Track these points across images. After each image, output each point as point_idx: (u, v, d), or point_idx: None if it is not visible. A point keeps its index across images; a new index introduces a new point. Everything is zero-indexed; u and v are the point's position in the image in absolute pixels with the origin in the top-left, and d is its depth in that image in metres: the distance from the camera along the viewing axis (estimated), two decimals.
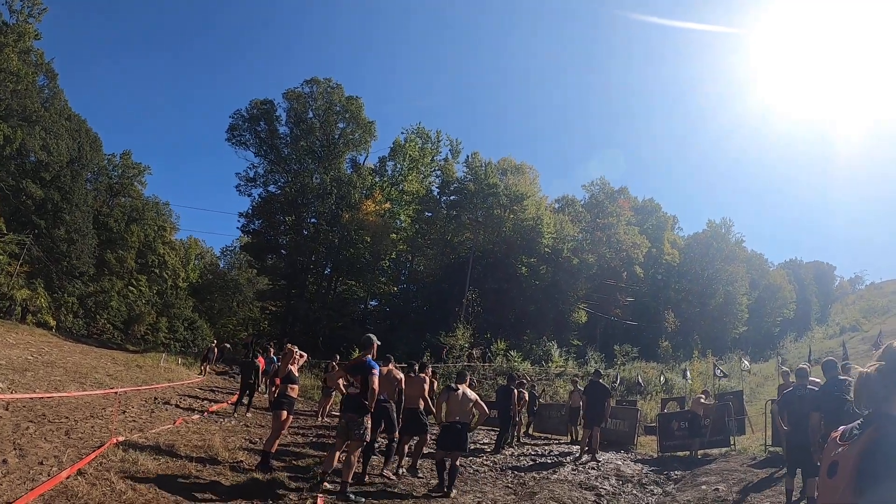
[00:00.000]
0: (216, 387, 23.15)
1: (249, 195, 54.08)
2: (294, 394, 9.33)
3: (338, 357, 21.03)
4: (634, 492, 10.50)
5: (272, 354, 19.52)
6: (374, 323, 54.13)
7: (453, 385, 9.24)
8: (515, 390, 15.15)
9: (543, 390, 26.12)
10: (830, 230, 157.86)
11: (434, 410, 9.41)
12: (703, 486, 9.97)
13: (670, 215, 68.82)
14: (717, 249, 61.72)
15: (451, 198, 53.92)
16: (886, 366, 2.11)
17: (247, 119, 53.54)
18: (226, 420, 13.14)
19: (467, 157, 55.60)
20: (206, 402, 16.39)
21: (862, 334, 34.08)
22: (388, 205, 51.83)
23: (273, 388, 9.96)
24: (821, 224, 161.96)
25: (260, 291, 60.86)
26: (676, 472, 11.95)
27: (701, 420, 13.88)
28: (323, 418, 16.29)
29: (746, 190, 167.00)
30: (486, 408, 9.60)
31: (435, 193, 56.65)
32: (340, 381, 8.14)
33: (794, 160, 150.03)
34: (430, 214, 54.15)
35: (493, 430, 16.46)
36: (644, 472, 12.23)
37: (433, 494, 8.20)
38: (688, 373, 22.78)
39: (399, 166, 56.97)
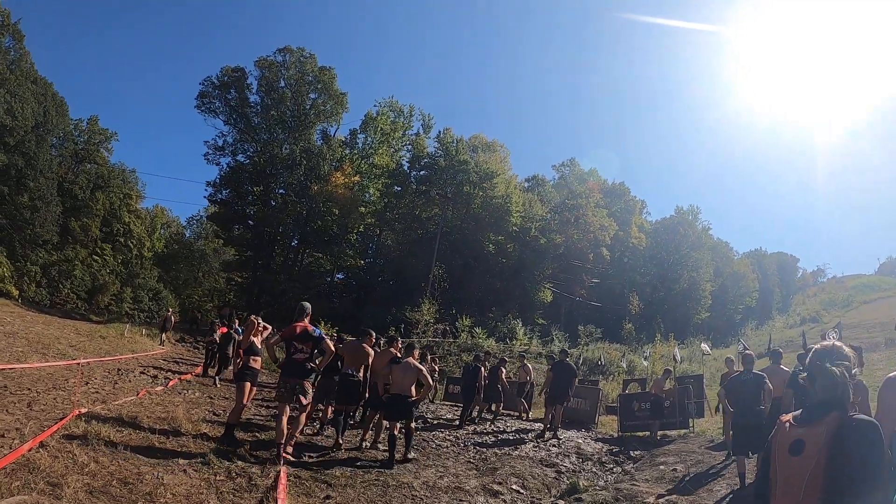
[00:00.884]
0: (180, 357, 22.97)
1: (218, 164, 52.92)
2: (257, 365, 9.32)
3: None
4: (594, 469, 10.76)
5: (237, 326, 19.43)
6: (339, 296, 53.88)
7: (399, 356, 9.35)
8: (502, 368, 15.43)
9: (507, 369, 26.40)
10: (796, 223, 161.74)
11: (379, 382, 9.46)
12: (662, 466, 10.24)
13: (639, 200, 69.75)
14: (683, 236, 62.64)
15: (421, 173, 53.62)
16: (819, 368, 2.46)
17: (217, 86, 52.23)
18: (189, 392, 13.06)
19: (439, 132, 55.28)
20: (170, 373, 16.24)
21: (822, 326, 34.94)
22: (357, 178, 51.31)
23: (237, 360, 9.94)
24: (787, 217, 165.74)
25: (226, 262, 60.00)
26: (636, 452, 12.27)
27: (663, 401, 14.23)
28: None
29: (715, 179, 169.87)
30: (430, 379, 9.76)
31: (405, 168, 56.23)
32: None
33: (764, 153, 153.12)
34: (399, 189, 53.76)
35: (457, 406, 16.65)
36: (604, 450, 12.53)
37: (385, 469, 8.30)
38: (649, 354, 23.24)
39: (370, 139, 56.31)
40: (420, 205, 52.33)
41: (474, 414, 15.49)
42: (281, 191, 51.95)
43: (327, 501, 6.36)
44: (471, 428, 13.92)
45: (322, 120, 54.92)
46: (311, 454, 8.59)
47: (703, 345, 25.62)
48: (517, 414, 17.35)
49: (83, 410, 8.23)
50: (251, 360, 9.12)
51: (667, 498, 7.92)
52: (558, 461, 10.85)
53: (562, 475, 9.81)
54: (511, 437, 13.11)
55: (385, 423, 9.47)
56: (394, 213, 52.62)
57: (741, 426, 8.34)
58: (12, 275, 37.38)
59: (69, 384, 10.51)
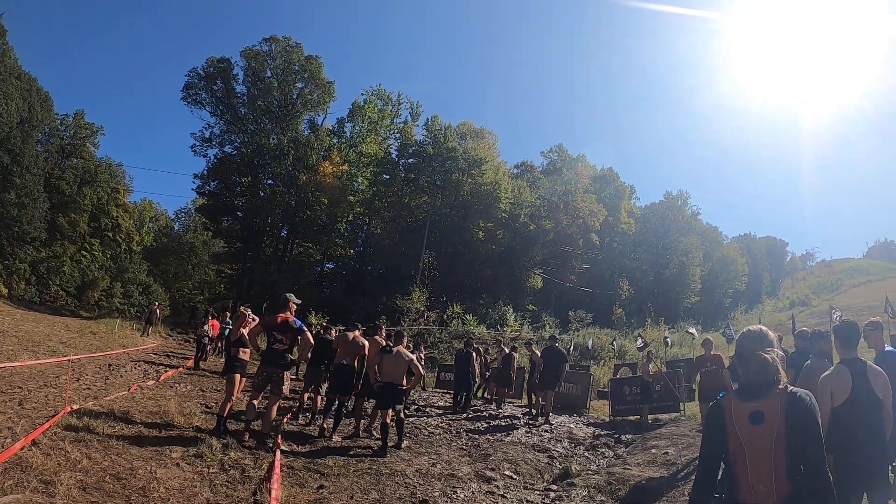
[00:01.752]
0: (171, 351, 22.92)
1: (205, 156, 52.46)
2: (246, 357, 9.30)
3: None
4: (586, 454, 10.87)
5: (228, 319, 19.42)
6: (330, 286, 53.90)
7: (389, 346, 9.38)
8: (513, 355, 15.64)
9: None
10: (785, 208, 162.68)
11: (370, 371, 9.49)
12: (653, 450, 10.33)
13: (628, 185, 69.82)
14: (672, 220, 62.91)
15: (410, 161, 53.59)
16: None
17: (203, 77, 51.71)
18: (181, 385, 13.05)
19: (427, 120, 55.24)
20: (161, 367, 16.21)
21: (811, 309, 35.31)
22: (345, 167, 51.03)
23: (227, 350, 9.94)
24: (775, 201, 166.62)
25: (215, 254, 59.62)
26: (627, 436, 12.38)
27: (651, 386, 14.36)
28: None
29: (705, 165, 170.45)
30: (420, 368, 9.81)
31: (393, 156, 56.13)
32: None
33: (753, 139, 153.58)
34: (387, 177, 53.70)
35: (449, 393, 16.72)
36: (596, 435, 12.65)
37: (378, 457, 8.36)
38: (640, 340, 23.34)
39: (358, 128, 55.95)
40: (409, 193, 52.28)
41: (479, 395, 15.57)
42: (269, 181, 51.69)
43: (321, 491, 6.39)
44: (463, 415, 13.99)
45: (309, 109, 54.58)
46: (303, 444, 8.63)
47: (690, 329, 25.74)
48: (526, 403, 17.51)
49: (75, 407, 8.21)
50: (240, 352, 9.12)
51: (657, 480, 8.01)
52: (550, 446, 10.95)
53: (554, 460, 9.91)
54: (503, 424, 13.20)
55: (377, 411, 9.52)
56: (383, 202, 52.53)
57: None
58: (0, 273, 37.14)
59: (60, 381, 10.47)
